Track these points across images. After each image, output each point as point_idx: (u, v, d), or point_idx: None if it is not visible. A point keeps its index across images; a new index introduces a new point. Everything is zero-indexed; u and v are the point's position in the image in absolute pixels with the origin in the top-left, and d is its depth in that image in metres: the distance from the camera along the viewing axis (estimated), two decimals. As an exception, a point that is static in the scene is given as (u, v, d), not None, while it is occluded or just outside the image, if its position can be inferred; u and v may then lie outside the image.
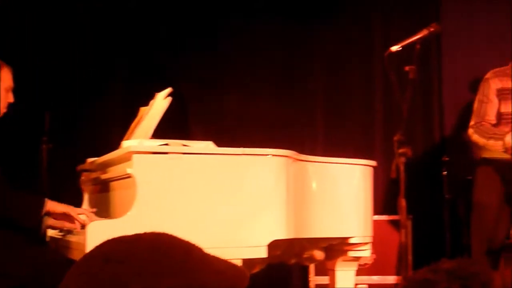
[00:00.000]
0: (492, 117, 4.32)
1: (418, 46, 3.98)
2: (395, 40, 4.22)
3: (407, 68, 3.94)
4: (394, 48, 4.05)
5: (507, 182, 4.19)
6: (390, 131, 4.21)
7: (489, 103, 4.35)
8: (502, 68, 4.43)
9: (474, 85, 5.31)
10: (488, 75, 4.42)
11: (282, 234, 3.42)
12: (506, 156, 4.21)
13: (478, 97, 4.43)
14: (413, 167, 5.87)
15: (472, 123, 4.39)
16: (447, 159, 5.64)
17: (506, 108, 4.32)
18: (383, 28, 6.41)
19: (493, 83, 4.36)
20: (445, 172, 5.61)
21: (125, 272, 1.20)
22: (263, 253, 3.34)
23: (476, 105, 4.42)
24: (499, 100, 4.34)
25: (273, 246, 3.40)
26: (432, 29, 4.08)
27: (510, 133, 4.15)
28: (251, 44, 6.37)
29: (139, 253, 1.24)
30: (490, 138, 4.24)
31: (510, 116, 4.32)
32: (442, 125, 6.17)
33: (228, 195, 3.32)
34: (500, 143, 4.18)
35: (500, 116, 4.34)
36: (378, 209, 5.72)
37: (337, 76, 6.51)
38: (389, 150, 4.25)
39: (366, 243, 4.09)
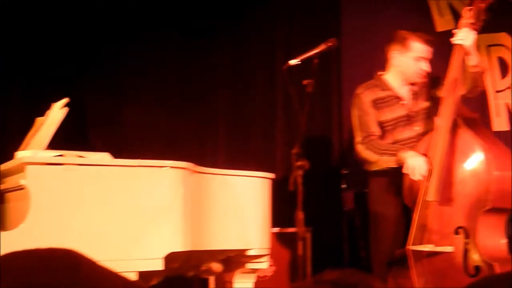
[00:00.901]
0: (376, 129, 4.47)
1: (316, 61, 4.08)
2: (297, 54, 4.30)
3: (305, 82, 4.03)
4: (293, 62, 4.14)
5: (401, 194, 4.32)
6: (291, 144, 4.29)
7: (367, 116, 4.50)
8: (369, 81, 4.60)
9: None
10: (358, 91, 4.59)
11: (179, 246, 3.43)
12: (393, 165, 4.35)
13: (355, 113, 4.57)
14: (313, 179, 6.01)
15: (359, 139, 4.52)
16: (345, 172, 5.77)
17: (384, 116, 4.47)
18: (286, 41, 6.51)
19: (365, 96, 4.53)
20: (344, 185, 5.74)
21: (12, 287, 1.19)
22: (159, 266, 3.34)
23: (355, 121, 4.56)
24: (375, 110, 4.48)
25: (170, 258, 3.41)
26: (329, 44, 4.19)
27: (404, 150, 4.28)
28: (153, 55, 6.38)
29: (29, 268, 1.24)
30: (383, 153, 4.37)
31: (389, 124, 4.47)
32: (341, 139, 6.30)
33: (124, 207, 3.31)
34: (393, 158, 4.32)
35: (380, 125, 4.48)
36: (278, 221, 5.79)
37: (240, 89, 6.59)
38: (290, 163, 4.32)
39: (264, 255, 4.14)
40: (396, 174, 4.31)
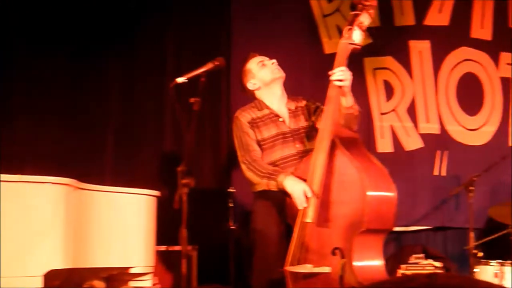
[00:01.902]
0: (255, 147, 4.57)
1: (203, 79, 4.14)
2: (187, 71, 4.35)
3: (192, 100, 4.08)
4: (180, 80, 4.18)
5: (284, 214, 4.39)
6: (180, 162, 4.32)
7: (246, 136, 4.60)
8: (247, 105, 4.73)
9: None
10: (236, 113, 4.71)
11: (59, 263, 3.42)
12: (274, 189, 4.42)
13: (235, 134, 4.67)
14: (201, 197, 6.08)
15: (242, 158, 4.60)
16: (233, 190, 5.85)
17: (262, 135, 4.58)
18: (176, 59, 6.56)
19: (242, 117, 4.64)
20: (231, 203, 5.81)
21: None
22: (38, 284, 3.32)
23: (236, 141, 4.65)
24: (254, 130, 4.59)
25: (51, 276, 3.39)
26: (217, 63, 4.26)
27: (283, 174, 4.36)
28: (41, 70, 6.31)
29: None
30: (263, 177, 4.45)
31: (267, 142, 4.57)
32: (229, 157, 6.38)
33: (3, 222, 3.27)
34: (273, 183, 4.39)
35: (259, 144, 4.58)
36: (165, 239, 5.82)
37: (129, 106, 6.58)
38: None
39: (147, 273, 4.16)
40: (279, 194, 4.38)
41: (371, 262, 4.10)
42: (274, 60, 4.71)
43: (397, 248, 6.49)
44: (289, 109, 4.67)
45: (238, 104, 6.42)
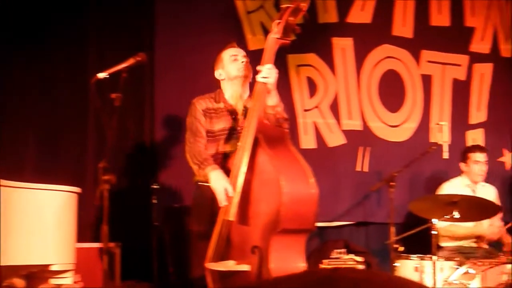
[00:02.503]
0: (203, 135, 4.60)
1: (124, 75, 4.14)
2: (109, 67, 4.34)
3: (113, 95, 4.08)
4: (101, 75, 4.18)
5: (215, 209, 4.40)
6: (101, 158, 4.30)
7: (197, 122, 4.62)
8: (207, 94, 4.74)
9: (185, 116, 5.60)
10: (194, 100, 4.71)
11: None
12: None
13: (188, 120, 4.69)
14: (124, 194, 6.07)
15: (187, 140, 4.62)
16: (156, 186, 5.85)
17: (212, 126, 4.61)
18: (98, 55, 6.51)
19: (198, 104, 4.66)
20: (155, 200, 5.82)
21: None
22: (-46, 282, 3.27)
23: (187, 125, 4.68)
24: (206, 119, 4.61)
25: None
26: (138, 59, 4.27)
27: (211, 166, 4.39)
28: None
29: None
30: (195, 164, 4.48)
31: (215, 134, 4.60)
32: (153, 154, 6.37)
33: None
34: (201, 172, 4.42)
35: (207, 133, 4.61)
36: (89, 236, 5.80)
37: (51, 101, 6.51)
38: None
39: (67, 271, 4.13)
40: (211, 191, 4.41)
41: (289, 264, 4.07)
42: (245, 60, 4.66)
43: (320, 244, 6.59)
44: (245, 107, 4.64)
45: (161, 100, 6.47)
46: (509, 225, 6.01)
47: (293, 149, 4.32)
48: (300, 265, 4.10)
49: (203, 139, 4.60)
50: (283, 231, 3.99)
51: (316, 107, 6.77)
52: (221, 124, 4.63)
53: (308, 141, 6.71)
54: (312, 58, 6.78)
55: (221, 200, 4.19)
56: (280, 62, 6.54)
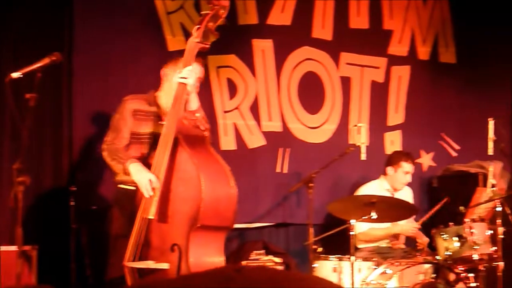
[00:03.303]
0: (126, 135, 4.60)
1: (39, 75, 4.10)
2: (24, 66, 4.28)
3: (27, 95, 4.03)
4: (15, 75, 4.13)
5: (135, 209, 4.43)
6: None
7: (123, 121, 4.62)
8: (141, 94, 4.74)
9: (103, 117, 5.56)
10: (126, 97, 4.70)
11: None
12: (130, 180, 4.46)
13: (114, 116, 4.68)
14: (42, 196, 5.98)
15: (107, 138, 4.62)
16: (74, 189, 5.79)
17: (138, 128, 4.61)
18: (14, 54, 6.37)
19: (129, 104, 4.67)
20: (72, 202, 5.75)
21: None
22: None
23: (113, 122, 4.67)
24: (134, 120, 4.60)
25: None
26: (53, 58, 4.23)
27: (131, 159, 4.40)
28: None
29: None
30: (113, 159, 4.49)
31: (140, 137, 4.60)
32: (71, 155, 6.29)
33: None
34: (120, 167, 4.44)
35: (133, 135, 4.61)
36: (6, 239, 5.69)
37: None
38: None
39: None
40: (132, 192, 4.44)
41: (208, 259, 4.19)
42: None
43: (239, 245, 6.63)
44: None
45: (80, 100, 6.38)
46: (420, 221, 6.16)
47: (213, 150, 4.44)
48: (219, 260, 4.23)
49: (123, 139, 4.60)
50: (202, 227, 4.10)
51: (236, 108, 6.80)
52: (149, 128, 4.64)
53: (228, 143, 6.74)
54: (232, 59, 6.81)
55: (147, 191, 4.22)
56: (200, 63, 6.61)
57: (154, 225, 4.22)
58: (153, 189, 4.22)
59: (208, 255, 4.19)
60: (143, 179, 4.27)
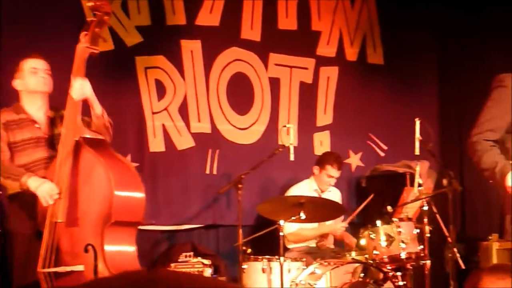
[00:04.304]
0: (4, 149, 4.65)
1: None
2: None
3: None
4: None
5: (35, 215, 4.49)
6: None
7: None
8: (7, 108, 4.77)
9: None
10: None
11: None
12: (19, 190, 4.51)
13: None
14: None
15: None
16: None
17: (14, 137, 4.65)
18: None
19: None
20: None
21: None
22: None
23: None
24: (7, 132, 4.62)
25: None
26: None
27: (26, 174, 4.45)
28: None
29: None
30: (7, 178, 4.54)
31: (19, 145, 4.63)
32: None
33: None
34: (17, 184, 4.50)
35: (10, 146, 4.63)
36: None
37: None
38: None
39: None
40: (31, 198, 4.47)
41: (122, 248, 4.39)
42: (46, 76, 4.75)
43: (168, 247, 6.61)
44: (48, 117, 4.78)
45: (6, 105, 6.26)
46: (348, 220, 6.25)
47: (114, 152, 4.61)
48: (132, 250, 4.42)
49: (5, 153, 4.63)
50: (116, 224, 4.32)
51: (165, 109, 6.78)
52: (24, 135, 4.68)
53: (157, 144, 6.71)
54: (160, 60, 6.78)
55: (47, 200, 4.34)
56: (128, 64, 6.58)
57: (64, 230, 4.35)
58: (59, 193, 4.31)
59: (122, 246, 4.37)
60: (43, 189, 4.39)
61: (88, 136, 4.47)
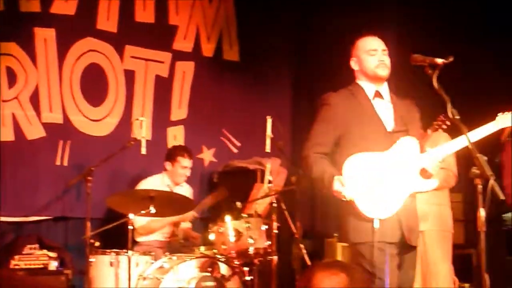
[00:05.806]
0: None
1: None
2: None
3: None
4: None
5: None
6: None
7: None
8: None
9: None
10: None
11: None
12: None
13: None
14: None
15: None
16: None
17: None
18: None
19: None
20: None
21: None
22: None
23: None
24: None
25: None
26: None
27: None
28: None
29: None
30: None
31: None
32: None
33: None
34: None
35: None
36: None
37: None
38: None
39: None
40: None
41: None
42: None
43: (13, 239, 6.47)
44: None
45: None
46: (198, 209, 6.32)
47: None
48: None
49: None
50: None
51: (15, 98, 6.64)
52: None
53: (6, 133, 6.56)
54: (12, 47, 6.64)
55: None
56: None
57: None
58: None
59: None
60: None
61: None
